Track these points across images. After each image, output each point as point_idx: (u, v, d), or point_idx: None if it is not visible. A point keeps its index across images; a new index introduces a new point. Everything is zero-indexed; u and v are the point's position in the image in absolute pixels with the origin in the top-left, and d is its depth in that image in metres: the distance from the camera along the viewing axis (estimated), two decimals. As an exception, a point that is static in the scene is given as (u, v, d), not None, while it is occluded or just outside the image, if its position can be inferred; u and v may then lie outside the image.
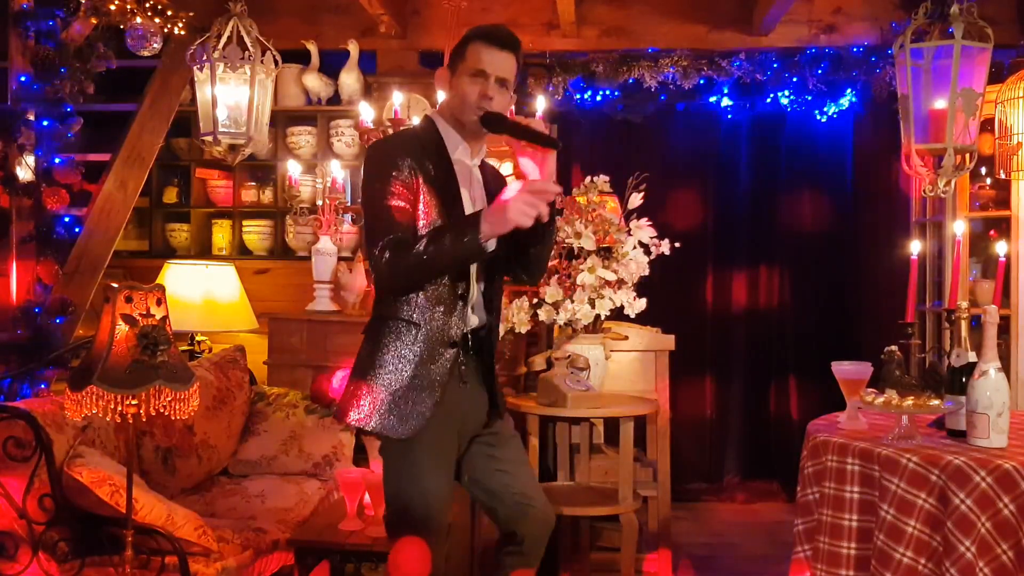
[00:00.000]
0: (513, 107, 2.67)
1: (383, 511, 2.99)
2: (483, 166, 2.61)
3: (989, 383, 2.41)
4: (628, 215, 3.84)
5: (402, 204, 2.39)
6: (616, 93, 5.17)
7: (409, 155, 2.42)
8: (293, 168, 4.65)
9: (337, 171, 4.63)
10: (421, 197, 2.42)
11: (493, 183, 2.62)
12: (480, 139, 2.56)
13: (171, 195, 5.51)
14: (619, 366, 4.17)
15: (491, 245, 2.31)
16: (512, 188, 2.31)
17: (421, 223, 2.42)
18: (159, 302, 2.66)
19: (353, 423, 2.47)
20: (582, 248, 3.71)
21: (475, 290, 2.51)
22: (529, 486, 2.65)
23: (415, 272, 2.38)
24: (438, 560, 2.44)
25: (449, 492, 2.53)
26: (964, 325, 2.63)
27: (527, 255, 2.54)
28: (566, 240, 3.77)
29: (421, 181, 2.42)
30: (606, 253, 3.74)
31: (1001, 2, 4.71)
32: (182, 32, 4.32)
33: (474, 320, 2.51)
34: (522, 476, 2.65)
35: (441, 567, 2.52)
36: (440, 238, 2.33)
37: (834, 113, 5.28)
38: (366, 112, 3.85)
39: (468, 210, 2.48)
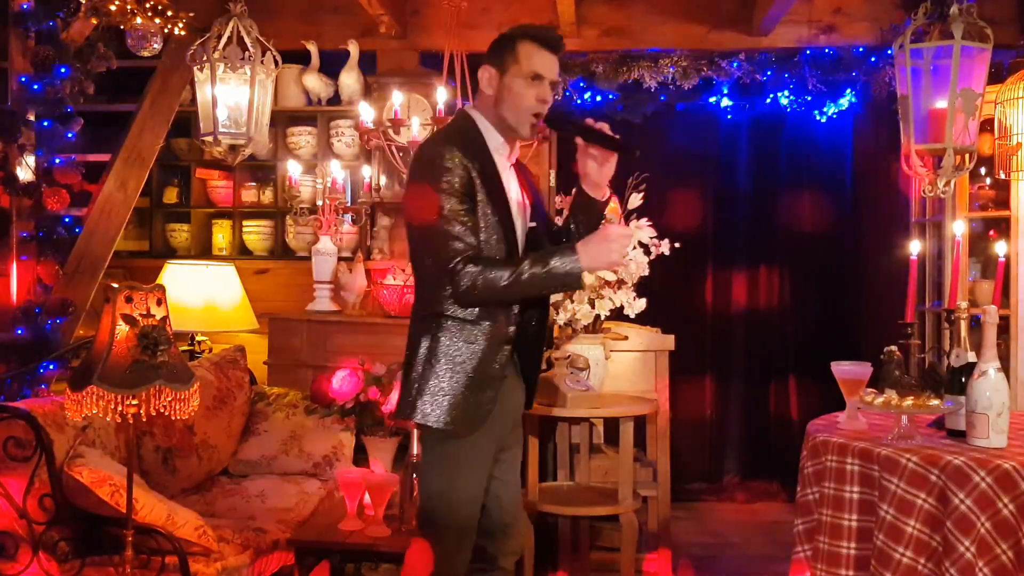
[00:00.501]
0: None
1: (383, 511, 3.01)
2: (516, 164, 2.63)
3: (989, 383, 2.41)
4: (628, 215, 3.84)
5: (464, 208, 2.40)
6: (616, 94, 5.17)
7: (460, 153, 2.42)
8: (293, 168, 4.66)
9: (337, 171, 4.63)
10: (477, 199, 2.42)
11: (526, 178, 2.65)
12: (518, 138, 2.57)
13: (171, 195, 5.51)
14: (619, 366, 4.17)
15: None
16: (609, 229, 2.40)
17: (481, 228, 2.43)
18: (159, 302, 2.66)
19: (419, 422, 2.48)
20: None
21: None
22: (515, 505, 2.68)
23: (504, 293, 2.39)
24: (465, 557, 2.51)
25: (483, 488, 2.55)
26: (964, 325, 2.63)
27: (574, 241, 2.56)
28: (566, 240, 3.76)
29: (474, 181, 2.42)
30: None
31: (1001, 2, 4.71)
32: (182, 32, 4.32)
33: (519, 314, 2.53)
34: (512, 493, 2.67)
35: (465, 565, 2.55)
36: (543, 262, 2.36)
37: (834, 113, 5.27)
38: (366, 112, 3.85)
39: (512, 207, 2.52)
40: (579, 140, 2.51)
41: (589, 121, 2.49)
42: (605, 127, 2.47)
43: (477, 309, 2.44)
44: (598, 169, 2.50)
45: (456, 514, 2.48)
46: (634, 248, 3.77)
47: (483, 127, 2.53)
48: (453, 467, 2.48)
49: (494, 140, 2.52)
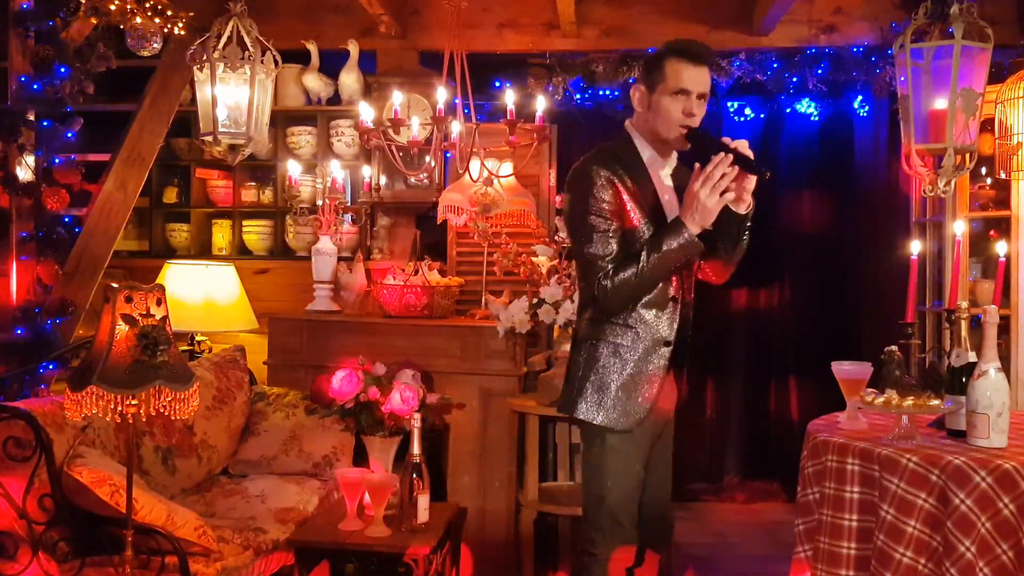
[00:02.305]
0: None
1: (383, 511, 3.00)
2: (674, 173, 2.76)
3: (989, 383, 2.41)
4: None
5: (611, 227, 2.59)
6: (616, 93, 5.16)
7: (609, 172, 2.60)
8: (293, 168, 4.65)
9: (337, 171, 4.63)
10: (629, 214, 2.60)
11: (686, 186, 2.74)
12: (672, 151, 2.71)
13: (171, 195, 5.51)
14: (619, 366, 4.16)
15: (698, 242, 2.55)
16: (692, 187, 2.53)
17: (633, 241, 2.60)
18: (159, 302, 2.66)
19: (582, 416, 2.67)
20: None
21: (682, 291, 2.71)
22: (663, 493, 2.84)
23: (636, 289, 2.59)
24: (633, 536, 2.67)
25: (640, 481, 2.73)
26: (964, 325, 2.63)
27: (718, 253, 2.71)
28: (566, 239, 3.76)
29: (624, 195, 2.60)
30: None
31: (1001, 2, 4.71)
32: (182, 32, 4.31)
33: (678, 320, 2.71)
34: (661, 482, 2.84)
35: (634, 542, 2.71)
36: (657, 246, 2.54)
37: (834, 113, 5.27)
38: (366, 112, 3.85)
39: (668, 218, 2.64)
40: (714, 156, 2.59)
41: (726, 140, 2.57)
42: (742, 146, 2.54)
43: (633, 313, 2.64)
44: (737, 184, 2.57)
45: (615, 507, 2.66)
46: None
47: (638, 142, 2.70)
48: (614, 461, 2.66)
49: (650, 155, 2.69)
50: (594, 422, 2.65)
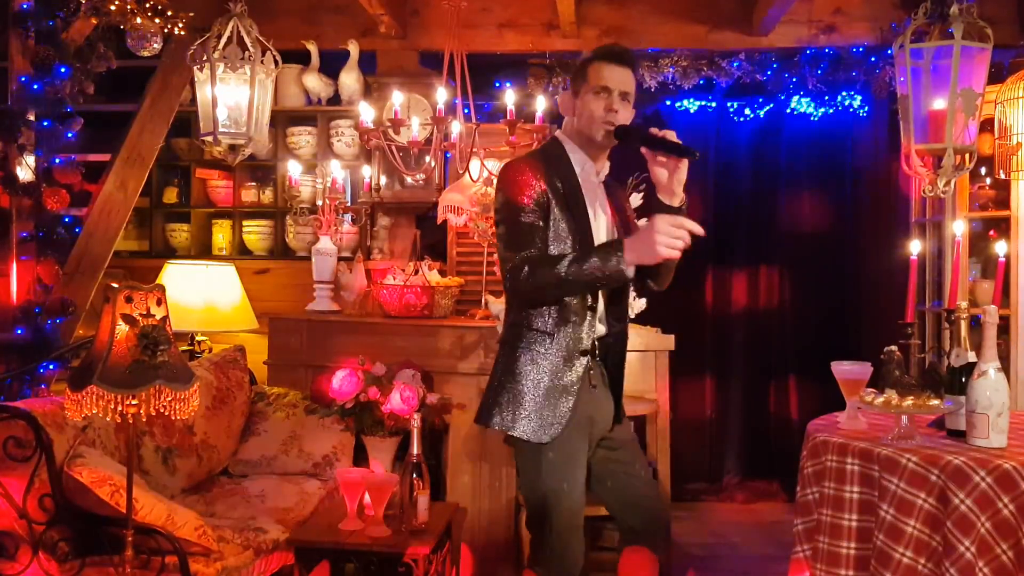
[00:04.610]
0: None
1: (383, 511, 3.01)
2: (606, 182, 2.75)
3: (989, 383, 2.41)
4: (628, 215, 3.83)
5: (536, 221, 2.55)
6: (616, 93, 5.17)
7: (541, 173, 2.58)
8: (293, 168, 4.66)
9: (337, 171, 4.63)
10: (552, 214, 2.57)
11: (617, 197, 2.77)
12: (603, 156, 2.71)
13: (171, 195, 5.51)
14: (619, 366, 4.16)
15: (631, 271, 2.44)
16: (656, 221, 2.42)
17: (552, 239, 2.57)
18: (159, 302, 2.66)
19: (496, 427, 2.64)
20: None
21: (602, 301, 2.66)
22: (644, 487, 2.83)
23: (554, 289, 2.51)
24: (574, 554, 2.68)
25: (582, 489, 2.69)
26: (964, 325, 2.63)
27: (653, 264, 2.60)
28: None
29: (551, 198, 2.57)
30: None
31: (1001, 2, 4.71)
32: (182, 32, 4.32)
33: (601, 329, 2.67)
34: (638, 478, 2.82)
35: (575, 562, 2.72)
36: (584, 259, 2.44)
37: (834, 113, 5.28)
38: (366, 112, 3.85)
39: (596, 225, 2.63)
40: (644, 150, 2.58)
41: (653, 130, 2.55)
42: (669, 134, 2.52)
43: (551, 320, 2.59)
44: (669, 176, 2.57)
45: (554, 514, 2.62)
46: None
47: (569, 148, 2.69)
48: (539, 473, 2.61)
49: (579, 160, 2.67)
50: (512, 433, 2.60)
